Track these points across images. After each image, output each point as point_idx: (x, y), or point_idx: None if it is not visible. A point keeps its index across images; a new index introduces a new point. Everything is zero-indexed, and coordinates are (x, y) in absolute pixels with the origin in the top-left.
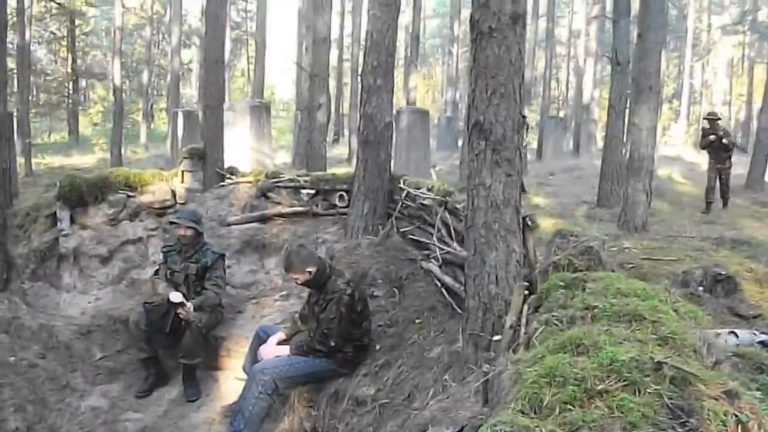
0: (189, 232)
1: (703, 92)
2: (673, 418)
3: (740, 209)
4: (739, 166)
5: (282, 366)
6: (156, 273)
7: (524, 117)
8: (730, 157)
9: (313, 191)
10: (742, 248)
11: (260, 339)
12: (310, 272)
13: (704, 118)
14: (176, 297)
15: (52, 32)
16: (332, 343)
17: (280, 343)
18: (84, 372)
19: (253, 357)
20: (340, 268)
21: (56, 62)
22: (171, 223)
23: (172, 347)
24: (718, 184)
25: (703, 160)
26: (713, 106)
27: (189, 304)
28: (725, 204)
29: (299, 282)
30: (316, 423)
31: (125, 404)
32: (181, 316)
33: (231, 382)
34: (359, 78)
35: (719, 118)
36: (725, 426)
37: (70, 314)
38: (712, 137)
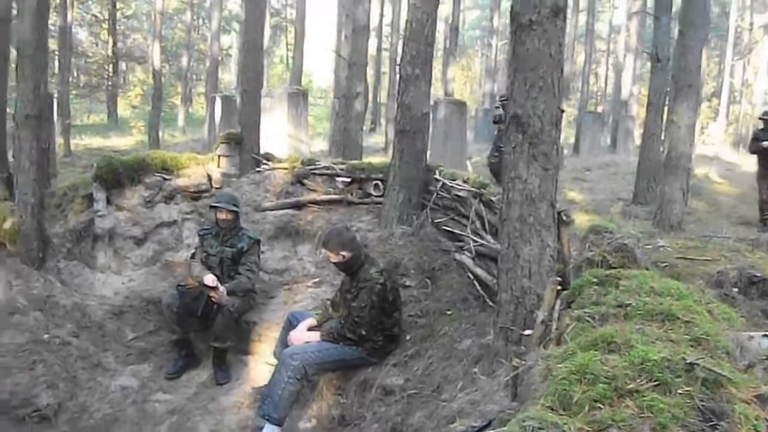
0: (230, 216)
1: (744, 92)
2: (704, 421)
3: None
4: None
5: (312, 352)
6: (192, 256)
7: (562, 111)
8: None
9: (348, 179)
10: None
11: (291, 325)
12: (344, 256)
13: (760, 118)
14: (210, 280)
15: (93, 15)
16: (362, 332)
17: (310, 329)
18: (115, 352)
19: (284, 342)
20: (374, 256)
21: (97, 45)
22: (211, 206)
23: (204, 330)
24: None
25: (743, 161)
26: (753, 107)
27: (222, 288)
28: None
29: (332, 261)
30: (344, 410)
31: (155, 385)
32: (213, 299)
33: (261, 367)
34: (397, 67)
35: None
36: (756, 430)
37: (103, 294)
38: (765, 144)
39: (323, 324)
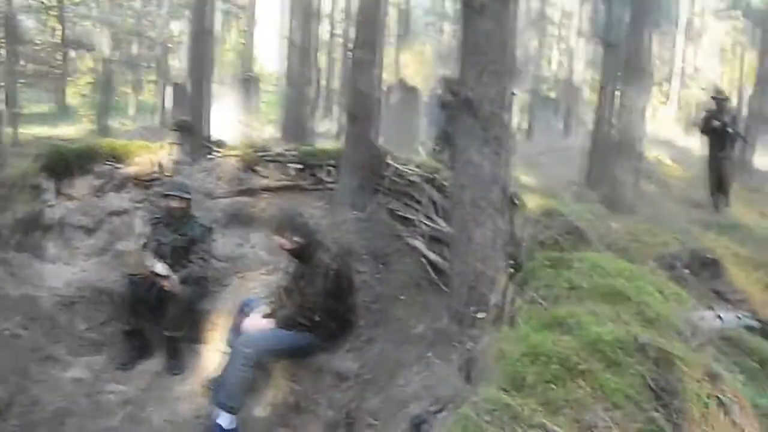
0: (182, 204)
1: (694, 76)
2: (656, 399)
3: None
4: None
5: (265, 339)
6: (144, 245)
7: (514, 95)
8: (733, 147)
9: (300, 166)
10: (728, 232)
11: (243, 312)
12: (296, 242)
13: (711, 97)
14: (161, 269)
15: (40, 1)
16: (316, 318)
17: (263, 316)
18: (67, 343)
19: (236, 330)
20: (327, 242)
21: (44, 32)
22: (163, 195)
23: (157, 320)
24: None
25: (694, 144)
26: (704, 91)
27: (174, 277)
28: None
29: (284, 247)
30: (298, 397)
31: (108, 376)
32: (165, 288)
33: (214, 355)
34: (349, 53)
35: (728, 99)
36: (707, 407)
37: (54, 285)
38: (716, 123)
39: (276, 311)
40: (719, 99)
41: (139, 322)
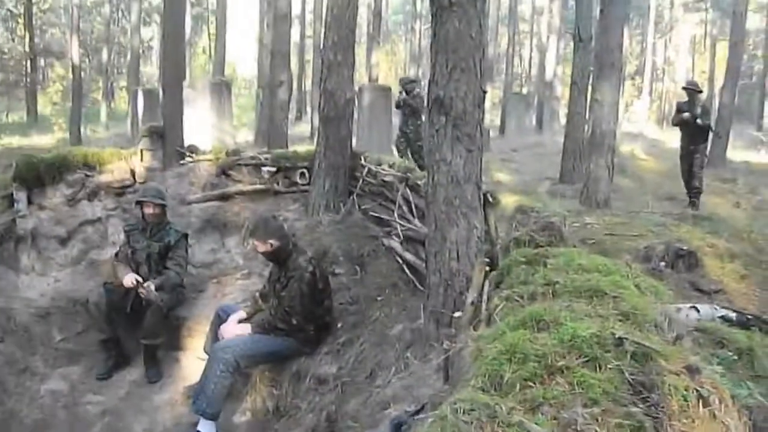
0: (157, 210)
1: (666, 69)
2: (635, 394)
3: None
4: None
5: (243, 344)
6: (116, 255)
7: (485, 92)
8: (706, 139)
9: (274, 169)
10: (703, 224)
11: (220, 318)
12: (271, 245)
13: (683, 88)
14: (129, 281)
15: (8, 9)
16: (293, 321)
17: (240, 321)
18: (43, 355)
19: (214, 337)
20: (302, 245)
21: (13, 40)
22: (137, 202)
23: (133, 328)
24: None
25: (667, 137)
26: (676, 84)
27: (150, 284)
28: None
29: (259, 251)
30: (278, 402)
31: (86, 387)
32: (141, 295)
33: (193, 362)
34: (320, 54)
35: (700, 91)
36: (686, 401)
37: (28, 296)
38: (686, 115)
39: (253, 316)
40: (691, 90)
41: (116, 331)
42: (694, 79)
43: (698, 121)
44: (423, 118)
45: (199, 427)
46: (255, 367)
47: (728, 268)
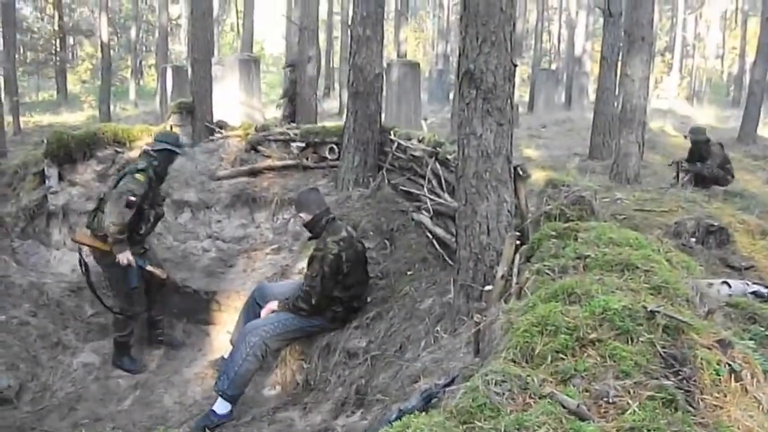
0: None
1: (696, 45)
2: (666, 367)
3: (733, 162)
4: (732, 119)
5: (271, 324)
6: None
7: (515, 65)
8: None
9: (303, 144)
10: (734, 200)
11: (254, 304)
12: (302, 218)
13: (686, 136)
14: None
15: None
16: (313, 302)
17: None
18: (75, 329)
19: (245, 320)
20: (341, 225)
21: (42, 19)
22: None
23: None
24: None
25: (696, 114)
26: (706, 60)
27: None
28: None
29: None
30: (308, 375)
31: None
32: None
33: (223, 336)
34: (349, 29)
35: (708, 140)
36: (718, 375)
37: (60, 272)
38: (698, 166)
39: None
40: (698, 141)
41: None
42: (701, 127)
43: (705, 173)
44: None
45: (214, 407)
46: (285, 346)
47: (759, 245)
